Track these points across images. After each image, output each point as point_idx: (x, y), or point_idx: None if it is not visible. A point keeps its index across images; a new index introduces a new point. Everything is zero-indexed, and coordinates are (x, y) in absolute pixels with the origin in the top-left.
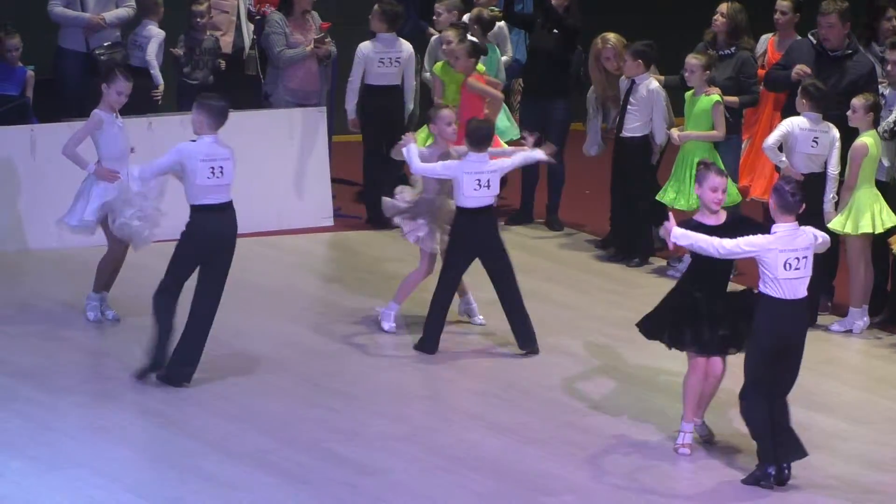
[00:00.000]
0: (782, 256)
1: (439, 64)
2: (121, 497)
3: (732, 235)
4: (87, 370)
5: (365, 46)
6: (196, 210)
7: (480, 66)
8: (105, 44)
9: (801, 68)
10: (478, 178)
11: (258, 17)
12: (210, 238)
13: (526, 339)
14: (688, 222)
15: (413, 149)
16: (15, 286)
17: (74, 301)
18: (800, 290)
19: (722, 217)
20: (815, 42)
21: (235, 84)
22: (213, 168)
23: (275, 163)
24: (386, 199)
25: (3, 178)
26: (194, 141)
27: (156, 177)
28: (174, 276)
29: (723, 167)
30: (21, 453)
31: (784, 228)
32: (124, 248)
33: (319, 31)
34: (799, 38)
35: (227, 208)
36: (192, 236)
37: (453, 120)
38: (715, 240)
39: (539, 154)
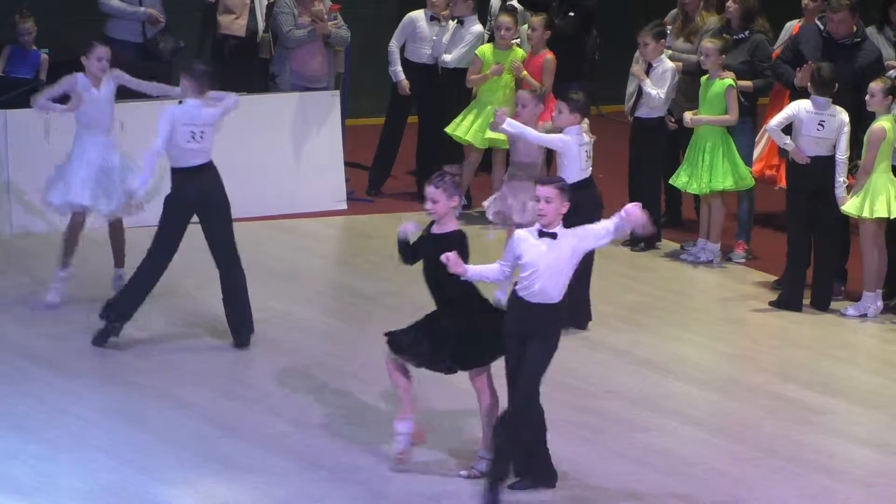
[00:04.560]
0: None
1: (487, 46)
2: (135, 480)
3: (458, 248)
4: (102, 353)
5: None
6: (175, 172)
7: (521, 52)
8: (158, 32)
9: (806, 71)
10: (586, 150)
11: (272, 0)
12: (191, 200)
13: (583, 315)
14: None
15: (513, 121)
16: (29, 269)
17: (90, 283)
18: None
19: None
20: (822, 28)
21: (249, 67)
22: (193, 132)
23: (288, 146)
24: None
25: (18, 160)
26: (181, 103)
27: (165, 145)
28: (157, 240)
29: (736, 151)
30: (36, 436)
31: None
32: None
33: (329, 13)
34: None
35: (206, 169)
36: (172, 199)
37: (525, 103)
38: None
39: None
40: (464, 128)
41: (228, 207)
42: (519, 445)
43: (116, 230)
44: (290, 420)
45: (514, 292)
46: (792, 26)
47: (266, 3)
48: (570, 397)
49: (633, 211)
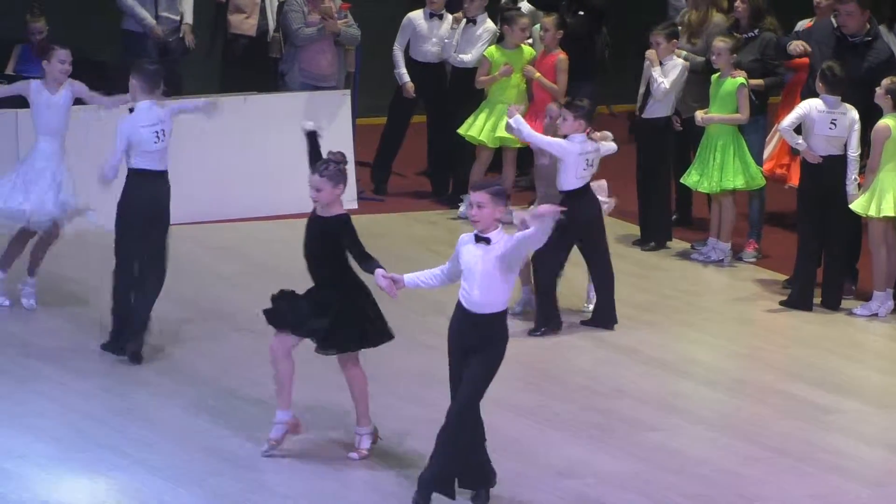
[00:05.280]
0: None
1: (495, 47)
2: (144, 479)
3: (342, 235)
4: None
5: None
6: (134, 174)
7: (530, 50)
8: (171, 28)
9: (799, 44)
10: (586, 158)
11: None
12: (146, 204)
13: (607, 317)
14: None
15: (521, 119)
16: (40, 267)
17: (99, 283)
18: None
19: None
20: (836, 26)
21: (260, 66)
22: (157, 132)
23: (298, 146)
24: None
25: None
26: (131, 111)
27: (120, 163)
28: (121, 252)
29: (748, 150)
30: (44, 435)
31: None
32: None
33: (339, 11)
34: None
35: (162, 176)
36: (129, 201)
37: (554, 115)
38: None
39: None
40: (476, 128)
41: (169, 224)
42: (455, 456)
43: (47, 240)
44: (300, 419)
45: (458, 302)
46: (804, 24)
47: (277, 2)
48: (579, 396)
49: (542, 208)
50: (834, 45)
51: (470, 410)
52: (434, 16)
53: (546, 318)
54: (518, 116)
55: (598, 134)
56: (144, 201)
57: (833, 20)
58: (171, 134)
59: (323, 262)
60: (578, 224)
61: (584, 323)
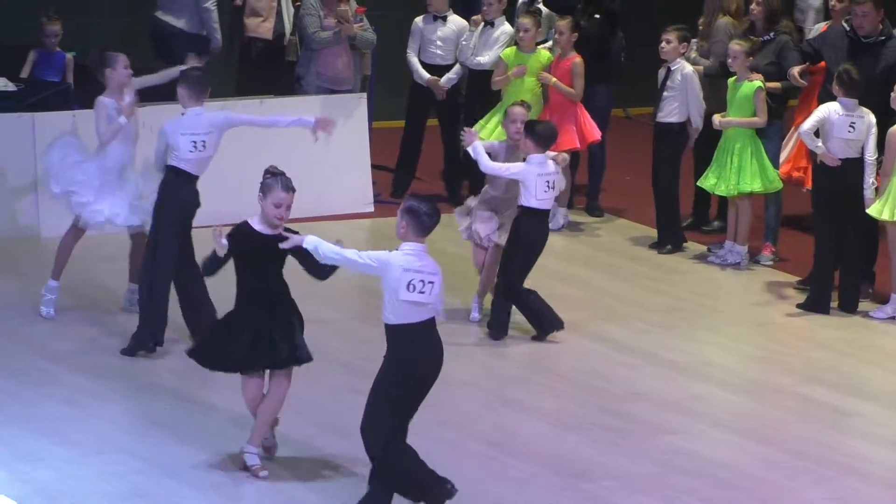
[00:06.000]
0: (406, 276)
1: (511, 50)
2: (163, 482)
3: (278, 253)
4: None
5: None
6: (172, 170)
7: (546, 54)
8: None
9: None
10: (547, 180)
11: (298, 3)
12: (183, 202)
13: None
14: (245, 225)
15: (478, 147)
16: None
17: (115, 286)
18: (422, 315)
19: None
20: (848, 29)
21: (276, 70)
22: (195, 142)
23: (315, 149)
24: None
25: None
26: (183, 114)
27: (161, 162)
28: (158, 248)
29: (765, 153)
30: (63, 438)
31: (412, 248)
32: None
33: (355, 15)
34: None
35: (194, 182)
36: (166, 198)
37: (521, 119)
38: (355, 253)
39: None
40: (488, 130)
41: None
42: (402, 479)
43: (138, 244)
44: (317, 422)
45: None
46: (819, 28)
47: (293, 6)
48: (596, 400)
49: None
50: (847, 46)
51: (371, 430)
52: (437, 18)
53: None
54: (476, 144)
55: (559, 157)
56: (178, 200)
57: (844, 24)
58: (216, 146)
59: (280, 274)
60: (524, 245)
61: (534, 338)
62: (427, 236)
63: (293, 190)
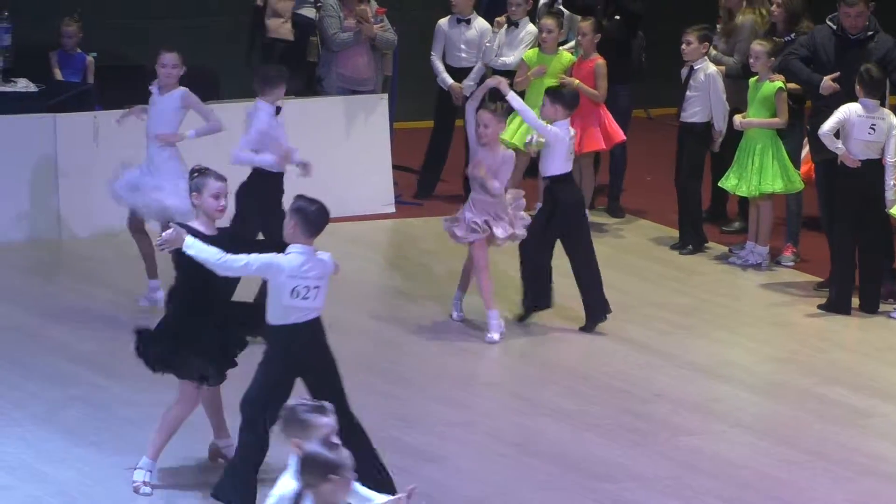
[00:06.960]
0: (290, 283)
1: (533, 51)
2: (183, 483)
3: (228, 250)
4: None
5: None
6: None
7: (568, 56)
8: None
9: (829, 84)
10: (569, 146)
11: (318, 4)
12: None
13: (596, 312)
14: (186, 227)
15: (515, 96)
16: (78, 272)
17: (136, 286)
18: (308, 316)
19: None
20: (834, 28)
21: (298, 71)
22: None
23: (336, 149)
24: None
25: (66, 164)
26: (278, 111)
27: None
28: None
29: (786, 154)
30: (83, 439)
31: (301, 250)
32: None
33: (375, 16)
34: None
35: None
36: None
37: (486, 123)
38: (222, 254)
39: None
40: (510, 131)
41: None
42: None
43: (142, 237)
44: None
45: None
46: None
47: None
48: (617, 400)
49: (167, 234)
50: (835, 45)
51: (248, 423)
52: (461, 21)
53: (535, 296)
54: (516, 95)
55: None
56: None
57: (829, 22)
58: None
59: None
60: (563, 208)
61: (581, 329)
62: (317, 237)
63: (225, 179)
